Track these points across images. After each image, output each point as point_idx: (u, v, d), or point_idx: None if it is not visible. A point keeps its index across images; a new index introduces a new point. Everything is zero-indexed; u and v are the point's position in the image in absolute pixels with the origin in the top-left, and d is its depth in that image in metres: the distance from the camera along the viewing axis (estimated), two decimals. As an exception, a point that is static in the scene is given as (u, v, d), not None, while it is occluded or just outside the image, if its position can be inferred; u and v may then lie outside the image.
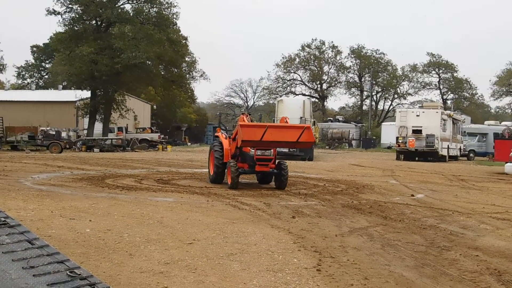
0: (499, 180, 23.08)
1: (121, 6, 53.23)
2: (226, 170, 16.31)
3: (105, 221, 10.00)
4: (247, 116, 17.65)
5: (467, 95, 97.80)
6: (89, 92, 54.59)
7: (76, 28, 52.14)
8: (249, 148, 16.35)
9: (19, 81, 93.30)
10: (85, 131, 53.07)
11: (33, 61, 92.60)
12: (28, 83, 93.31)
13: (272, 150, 15.97)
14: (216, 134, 18.13)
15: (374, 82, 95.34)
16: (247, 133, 14.82)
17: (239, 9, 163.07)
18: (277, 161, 16.38)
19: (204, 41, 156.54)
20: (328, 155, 38.98)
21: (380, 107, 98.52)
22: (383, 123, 72.09)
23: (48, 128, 46.33)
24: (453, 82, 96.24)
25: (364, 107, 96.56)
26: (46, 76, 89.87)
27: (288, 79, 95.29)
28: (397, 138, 42.60)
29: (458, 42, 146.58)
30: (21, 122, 50.08)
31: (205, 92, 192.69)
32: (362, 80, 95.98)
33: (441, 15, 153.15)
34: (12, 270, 5.59)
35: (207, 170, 18.61)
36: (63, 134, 45.50)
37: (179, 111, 77.39)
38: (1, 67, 47.77)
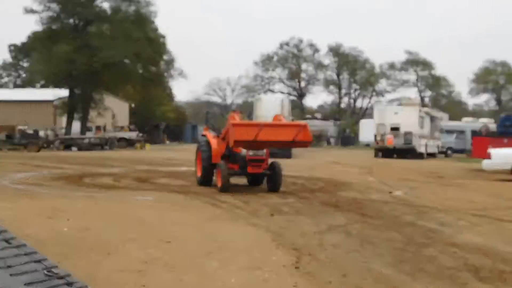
0: (477, 177, 23.25)
1: (99, 5, 53.13)
2: (215, 171, 15.62)
3: (83, 220, 9.96)
4: (238, 114, 17.04)
5: (445, 92, 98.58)
6: (67, 91, 54.32)
7: (53, 27, 51.99)
8: (239, 148, 15.28)
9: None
10: (63, 130, 52.75)
11: (10, 59, 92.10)
12: (5, 82, 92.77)
13: (265, 150, 15.32)
14: (203, 133, 17.35)
15: (352, 79, 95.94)
16: (239, 133, 13.93)
17: (218, 5, 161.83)
18: (270, 161, 15.61)
19: (182, 37, 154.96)
20: (307, 153, 38.93)
21: (358, 104, 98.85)
22: (361, 121, 72.29)
23: (25, 127, 46.17)
24: (431, 80, 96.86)
25: (343, 105, 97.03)
26: (24, 75, 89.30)
27: (267, 77, 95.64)
28: (375, 135, 42.89)
29: (437, 40, 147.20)
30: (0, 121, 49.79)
31: (183, 90, 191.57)
32: (341, 77, 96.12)
33: (421, 14, 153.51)
34: (-11, 270, 5.55)
35: (187, 168, 18.45)
36: (41, 133, 45.32)
37: (158, 110, 77.19)
38: None
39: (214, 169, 15.58)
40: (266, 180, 15.43)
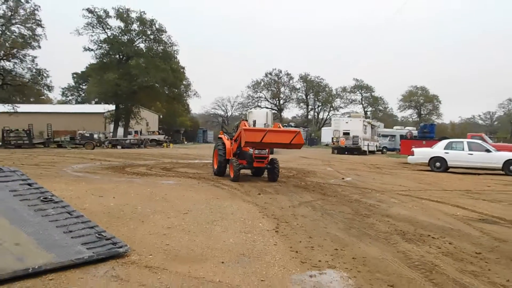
0: (404, 168, 23.38)
1: (137, 45, 53.04)
2: (228, 165, 15.33)
3: (124, 198, 9.92)
4: (245, 122, 16.21)
5: (381, 108, 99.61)
6: (114, 106, 54.25)
7: (104, 60, 51.92)
8: (248, 147, 14.89)
9: (63, 98, 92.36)
10: (111, 134, 52.64)
11: (73, 83, 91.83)
12: (69, 99, 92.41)
13: (267, 150, 14.83)
14: (219, 136, 16.66)
15: (316, 99, 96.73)
16: (249, 136, 13.47)
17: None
18: (270, 158, 15.06)
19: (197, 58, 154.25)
20: (284, 150, 38.90)
21: (320, 116, 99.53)
22: (322, 128, 72.71)
23: (84, 132, 46.11)
24: (371, 99, 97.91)
25: (309, 117, 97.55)
26: (83, 95, 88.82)
27: (256, 96, 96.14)
28: (332, 138, 43.37)
29: (376, 69, 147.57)
30: (64, 127, 49.72)
31: (197, 105, 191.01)
32: (308, 97, 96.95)
33: (363, 47, 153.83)
34: (56, 233, 5.54)
35: (199, 161, 18.35)
36: (95, 136, 45.27)
37: (178, 119, 77.19)
38: (50, 88, 47.32)
39: (227, 164, 15.31)
40: (267, 172, 15.01)
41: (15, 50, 41.37)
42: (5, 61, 41.95)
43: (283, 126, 14.73)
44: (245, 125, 14.72)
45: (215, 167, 15.88)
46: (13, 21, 42.29)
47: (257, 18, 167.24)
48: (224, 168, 15.43)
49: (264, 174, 15.90)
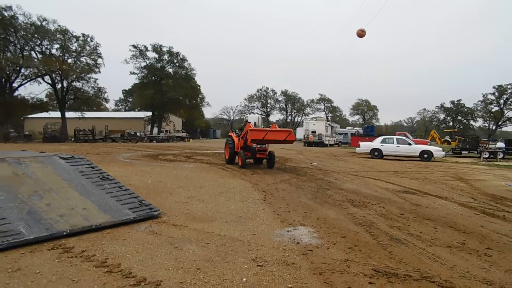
0: (353, 156, 23.41)
1: (167, 70, 52.74)
2: (236, 156, 14.68)
3: (158, 177, 9.88)
4: (249, 124, 15.60)
5: (338, 114, 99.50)
6: (151, 113, 53.93)
7: (144, 81, 51.48)
8: (252, 143, 13.86)
9: (116, 107, 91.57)
10: (148, 132, 52.37)
11: (122, 97, 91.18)
12: (120, 108, 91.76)
13: (266, 145, 14.21)
14: (229, 134, 16.03)
15: (293, 108, 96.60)
16: (254, 135, 12.85)
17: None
18: (268, 150, 14.38)
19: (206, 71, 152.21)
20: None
21: (296, 120, 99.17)
22: (297, 128, 72.61)
23: (130, 131, 45.81)
24: (331, 108, 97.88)
25: (288, 120, 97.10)
26: (129, 105, 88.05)
27: (250, 106, 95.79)
28: (303, 135, 43.26)
29: (335, 84, 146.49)
30: (117, 128, 49.43)
31: (209, 112, 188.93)
32: (287, 106, 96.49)
33: (327, 71, 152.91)
34: (110, 201, 5.50)
35: (210, 151, 18.19)
36: (138, 134, 44.93)
37: (196, 122, 76.81)
38: (107, 100, 48.46)
39: (236, 155, 14.74)
40: (266, 161, 14.18)
41: (83, 74, 42.10)
42: (76, 82, 42.63)
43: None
44: (250, 126, 13.98)
45: (227, 157, 15.27)
46: (82, 54, 42.95)
47: (249, 49, 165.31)
48: (233, 158, 14.87)
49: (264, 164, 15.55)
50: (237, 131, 16.28)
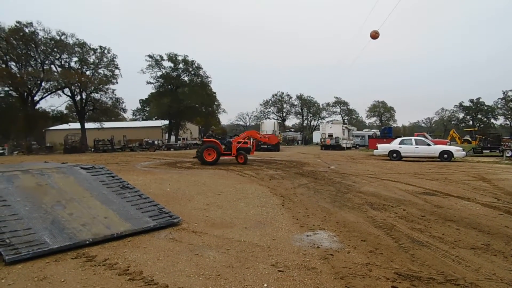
0: (371, 158, 23.12)
1: (182, 78, 53.34)
2: (221, 157, 17.55)
3: (177, 184, 9.97)
4: (255, 132, 19.89)
5: (354, 117, 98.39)
6: (168, 121, 54.54)
7: (161, 90, 52.17)
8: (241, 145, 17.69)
9: (134, 117, 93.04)
10: (166, 140, 52.94)
11: (140, 106, 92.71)
12: (137, 117, 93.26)
13: (248, 148, 17.80)
14: (209, 140, 18.23)
15: (308, 111, 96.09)
16: (242, 144, 17.76)
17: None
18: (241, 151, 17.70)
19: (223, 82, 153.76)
20: (287, 148, 38.95)
21: (312, 124, 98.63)
22: (313, 132, 72.21)
23: (148, 139, 46.46)
24: (347, 111, 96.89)
25: (304, 124, 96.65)
26: (147, 114, 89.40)
27: (266, 111, 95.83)
28: (320, 139, 42.96)
29: (351, 88, 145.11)
30: (135, 137, 50.04)
31: (225, 119, 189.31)
32: (303, 111, 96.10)
33: (342, 76, 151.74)
34: (131, 210, 5.58)
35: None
36: (156, 142, 45.48)
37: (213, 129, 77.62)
38: (125, 110, 49.34)
39: (220, 156, 17.56)
40: (237, 157, 17.79)
41: (101, 85, 42.99)
42: (94, 93, 43.63)
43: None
44: (239, 139, 17.93)
45: (210, 160, 17.34)
46: (100, 66, 43.88)
47: (266, 58, 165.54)
48: (218, 159, 17.34)
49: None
50: (218, 136, 19.44)
